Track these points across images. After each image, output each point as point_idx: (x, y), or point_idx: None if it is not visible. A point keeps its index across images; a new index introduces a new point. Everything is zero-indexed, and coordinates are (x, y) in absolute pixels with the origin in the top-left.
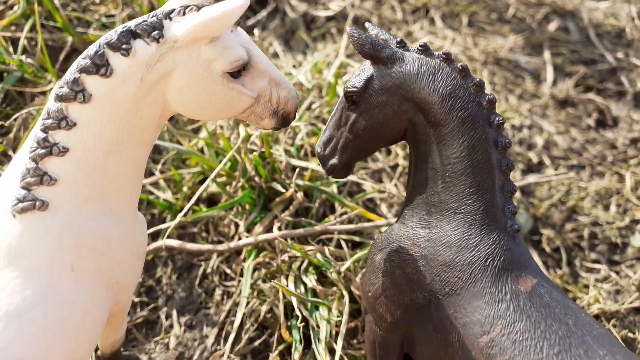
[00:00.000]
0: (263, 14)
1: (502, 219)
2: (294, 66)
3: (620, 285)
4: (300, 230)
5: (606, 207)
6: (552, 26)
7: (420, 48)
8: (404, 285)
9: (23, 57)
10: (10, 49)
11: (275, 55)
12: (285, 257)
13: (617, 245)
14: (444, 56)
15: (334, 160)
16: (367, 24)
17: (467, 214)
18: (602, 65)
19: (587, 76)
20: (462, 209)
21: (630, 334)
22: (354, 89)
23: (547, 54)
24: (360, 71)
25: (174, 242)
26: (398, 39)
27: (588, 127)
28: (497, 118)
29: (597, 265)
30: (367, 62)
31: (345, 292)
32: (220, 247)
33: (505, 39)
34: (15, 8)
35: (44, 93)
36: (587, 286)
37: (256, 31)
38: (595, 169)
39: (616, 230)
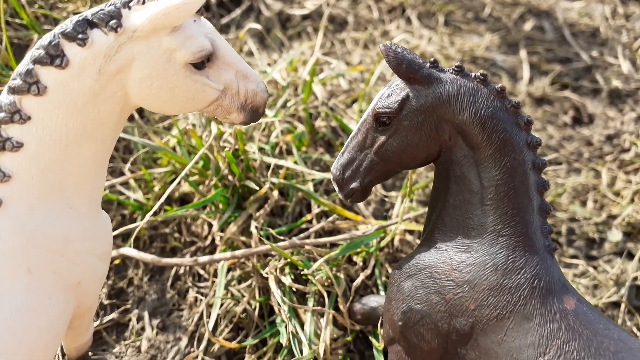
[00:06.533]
0: (237, 12)
1: (541, 239)
2: (269, 64)
3: (598, 280)
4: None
5: (583, 203)
6: (528, 25)
7: (455, 69)
8: (444, 312)
9: None
10: None
11: (250, 53)
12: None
13: (595, 241)
14: (481, 77)
15: (355, 184)
16: (387, 43)
17: (510, 237)
18: (577, 63)
19: (563, 74)
20: (505, 232)
21: None
22: (388, 110)
23: (523, 53)
24: (392, 91)
25: (133, 252)
26: (432, 59)
27: (564, 124)
28: (534, 140)
29: (575, 261)
30: (399, 81)
31: (324, 292)
32: (177, 261)
33: (482, 37)
34: None
35: None
36: None
37: (233, 30)
38: (572, 166)
39: (593, 226)
